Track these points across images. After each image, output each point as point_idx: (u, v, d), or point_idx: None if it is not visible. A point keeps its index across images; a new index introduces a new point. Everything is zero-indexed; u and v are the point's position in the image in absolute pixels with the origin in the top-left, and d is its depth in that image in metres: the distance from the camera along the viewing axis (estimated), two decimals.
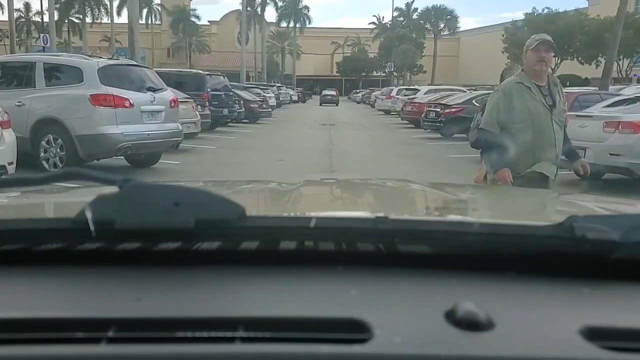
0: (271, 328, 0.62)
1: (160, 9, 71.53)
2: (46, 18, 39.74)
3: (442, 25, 71.72)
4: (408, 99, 24.11)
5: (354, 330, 0.61)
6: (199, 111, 13.32)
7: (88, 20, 58.05)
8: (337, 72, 77.97)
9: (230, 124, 18.83)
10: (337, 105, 45.41)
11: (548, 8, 44.93)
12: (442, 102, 17.30)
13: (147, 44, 63.89)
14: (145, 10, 65.27)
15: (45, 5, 37.79)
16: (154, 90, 9.17)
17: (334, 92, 50.01)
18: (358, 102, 52.40)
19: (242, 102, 19.97)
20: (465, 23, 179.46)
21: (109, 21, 56.37)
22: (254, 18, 63.57)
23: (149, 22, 69.98)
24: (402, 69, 65.22)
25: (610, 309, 0.71)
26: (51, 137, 8.46)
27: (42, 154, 8.54)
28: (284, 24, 72.39)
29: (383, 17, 75.53)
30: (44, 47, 28.34)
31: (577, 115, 8.42)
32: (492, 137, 3.62)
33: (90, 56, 10.05)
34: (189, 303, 0.68)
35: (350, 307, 0.66)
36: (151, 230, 0.73)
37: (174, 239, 0.77)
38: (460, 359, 0.58)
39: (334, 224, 0.83)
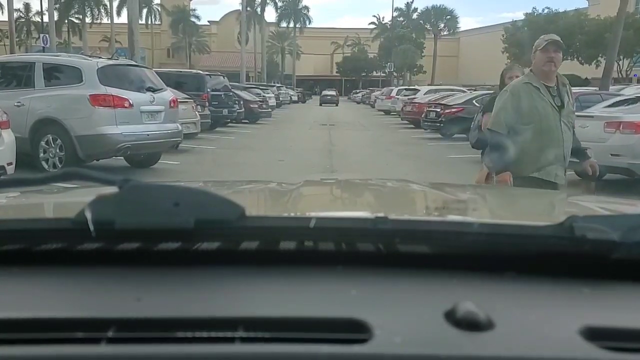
0: (271, 328, 0.62)
1: (160, 9, 71.52)
2: (46, 18, 39.76)
3: (442, 25, 71.78)
4: (408, 99, 24.11)
5: (353, 330, 0.61)
6: (198, 111, 13.32)
7: (88, 20, 58.08)
8: (337, 72, 77.97)
9: (230, 124, 18.83)
10: (337, 105, 45.43)
11: (548, 8, 45.02)
12: (442, 102, 17.31)
13: (147, 44, 63.89)
14: (145, 11, 65.27)
15: (45, 5, 37.82)
16: (154, 90, 9.17)
17: (333, 93, 50.03)
18: (358, 103, 52.41)
19: (241, 103, 19.97)
20: (465, 23, 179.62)
21: (109, 21, 56.42)
22: (253, 18, 63.58)
23: (149, 22, 69.96)
24: (402, 69, 65.23)
25: (610, 309, 0.71)
26: (50, 138, 8.45)
27: (41, 155, 8.53)
28: (283, 24, 72.42)
29: (383, 18, 75.68)
30: (43, 47, 28.36)
31: (578, 116, 8.42)
32: (498, 138, 3.59)
33: (89, 56, 10.06)
34: (188, 303, 0.68)
35: (350, 307, 0.66)
36: (151, 231, 0.73)
37: (173, 239, 0.77)
38: (460, 359, 0.58)
39: (333, 224, 0.83)
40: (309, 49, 75.58)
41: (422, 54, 65.33)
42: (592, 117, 8.51)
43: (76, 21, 59.29)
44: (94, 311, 0.65)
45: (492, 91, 11.06)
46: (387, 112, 30.22)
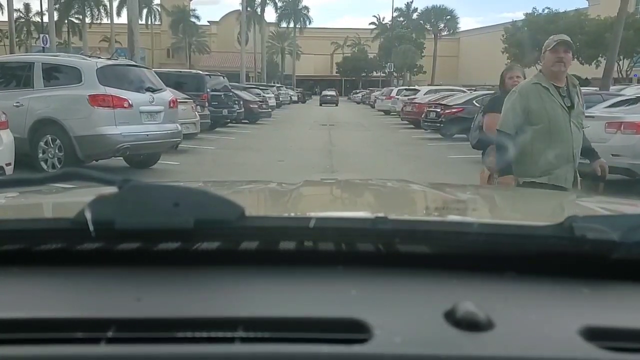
0: (271, 328, 0.62)
1: (160, 9, 71.53)
2: (46, 18, 39.77)
3: (442, 25, 71.82)
4: (408, 99, 24.10)
5: (353, 330, 0.61)
6: (198, 112, 13.32)
7: (88, 20, 58.10)
8: (337, 73, 77.99)
9: (229, 125, 18.82)
10: (336, 105, 45.45)
11: (548, 8, 45.04)
12: (443, 102, 17.29)
13: (147, 45, 63.95)
14: (145, 11, 65.27)
15: (45, 5, 37.82)
16: (153, 90, 9.15)
17: (333, 93, 50.04)
18: (358, 103, 52.41)
19: (241, 103, 19.95)
20: (465, 23, 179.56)
21: (109, 21, 56.43)
22: (253, 18, 63.60)
23: (149, 22, 69.96)
24: (402, 69, 65.22)
25: (610, 309, 0.71)
26: (50, 138, 8.42)
27: (40, 155, 8.50)
28: (283, 24, 72.46)
29: (384, 18, 75.68)
30: (43, 47, 28.36)
31: None
32: (505, 138, 3.54)
33: (89, 56, 10.05)
34: (188, 303, 0.68)
35: (350, 307, 0.66)
36: (151, 231, 0.73)
37: (173, 239, 0.77)
38: (460, 359, 0.58)
39: (333, 224, 0.83)
40: (309, 49, 75.59)
41: (422, 54, 65.33)
42: (592, 117, 8.49)
43: (76, 21, 59.33)
44: (94, 311, 0.65)
45: (492, 91, 11.08)
46: (387, 112, 30.22)
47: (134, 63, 11.19)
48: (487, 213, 1.47)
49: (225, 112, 17.57)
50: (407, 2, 72.94)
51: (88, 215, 0.71)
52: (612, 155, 7.79)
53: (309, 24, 72.93)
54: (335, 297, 0.70)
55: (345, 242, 0.82)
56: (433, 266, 0.77)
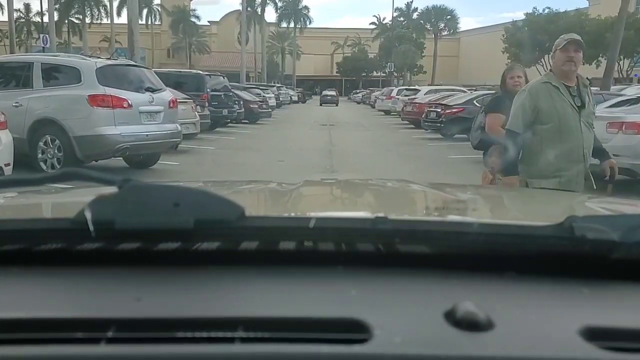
0: (271, 328, 0.62)
1: (160, 9, 71.54)
2: (46, 18, 39.81)
3: (442, 25, 71.81)
4: (408, 99, 24.09)
5: (353, 330, 0.61)
6: (198, 112, 13.31)
7: (88, 20, 58.11)
8: (337, 73, 77.98)
9: (229, 125, 18.82)
10: (337, 105, 45.46)
11: (548, 8, 45.00)
12: (443, 102, 17.28)
13: (147, 45, 63.97)
14: (145, 11, 65.29)
15: (45, 5, 37.84)
16: (153, 90, 9.13)
17: (333, 93, 50.05)
18: (358, 103, 52.42)
19: (241, 103, 19.94)
20: (466, 23, 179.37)
21: (109, 21, 56.44)
22: (254, 18, 63.62)
23: (149, 22, 69.97)
24: (402, 69, 65.22)
25: (610, 309, 0.71)
26: (49, 138, 8.40)
27: (39, 155, 8.48)
28: (284, 24, 72.46)
29: (384, 18, 75.69)
30: (43, 47, 28.35)
31: None
32: (514, 138, 3.52)
33: (88, 56, 10.04)
34: (188, 303, 0.68)
35: (350, 307, 0.66)
36: (151, 231, 0.73)
37: (173, 239, 0.77)
38: (460, 359, 0.58)
39: (333, 224, 0.83)
40: (309, 49, 75.59)
41: (423, 54, 65.33)
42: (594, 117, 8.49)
43: (76, 21, 59.33)
44: (94, 311, 0.65)
45: (493, 91, 11.07)
46: (388, 112, 30.21)
47: (134, 63, 11.17)
48: (487, 213, 1.47)
49: (225, 112, 17.55)
50: (407, 2, 73.05)
51: (88, 215, 0.71)
52: (614, 155, 7.76)
53: (309, 24, 73.03)
54: (335, 297, 0.70)
55: (345, 242, 0.82)
56: (433, 266, 0.77)
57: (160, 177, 8.99)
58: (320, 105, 45.74)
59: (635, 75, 39.90)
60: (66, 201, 1.39)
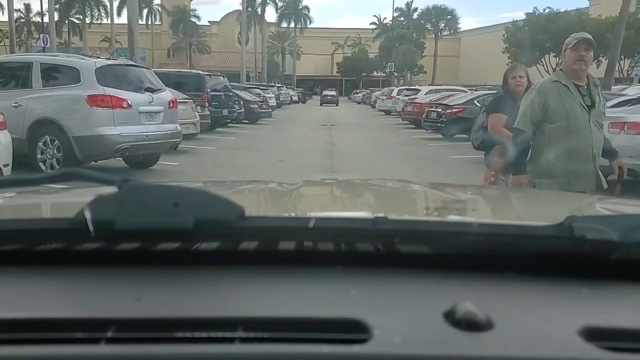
0: (270, 328, 0.62)
1: (160, 10, 71.58)
2: (46, 19, 39.80)
3: (443, 25, 71.84)
4: (409, 99, 24.08)
5: (353, 330, 0.61)
6: (198, 112, 13.30)
7: (88, 20, 58.14)
8: (337, 73, 78.00)
9: (230, 125, 18.82)
10: (337, 105, 45.50)
11: (549, 8, 44.99)
12: (444, 102, 17.26)
13: (147, 45, 63.99)
14: (145, 11, 65.33)
15: (46, 6, 37.84)
16: (153, 90, 9.12)
17: (334, 93, 50.11)
18: (358, 103, 52.44)
19: (242, 103, 19.94)
20: (466, 23, 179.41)
21: (109, 22, 56.46)
22: (254, 18, 63.64)
23: (149, 22, 70.01)
24: (403, 69, 65.23)
25: (609, 309, 0.71)
26: (48, 139, 8.38)
27: (39, 156, 8.46)
28: (284, 24, 72.50)
29: (384, 18, 75.73)
30: (44, 47, 28.36)
31: None
32: (523, 137, 3.50)
33: (88, 57, 10.03)
34: (188, 303, 0.68)
35: (349, 307, 0.66)
36: (150, 231, 0.73)
37: (173, 239, 0.77)
38: (460, 359, 0.58)
39: (333, 224, 0.83)
40: (309, 49, 75.61)
41: (423, 54, 65.35)
42: None
43: (76, 21, 59.41)
44: (94, 311, 0.65)
45: (494, 91, 11.07)
46: (388, 112, 30.21)
47: (133, 63, 11.16)
48: (486, 213, 1.47)
49: (225, 112, 17.55)
50: (408, 2, 73.11)
51: (88, 215, 0.71)
52: None
53: (310, 24, 73.10)
54: (335, 297, 0.70)
55: (345, 242, 0.82)
56: (433, 266, 0.77)
57: (160, 177, 8.98)
58: (321, 105, 45.77)
59: (636, 75, 39.90)
60: (66, 201, 1.39)
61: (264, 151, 13.20)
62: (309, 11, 72.79)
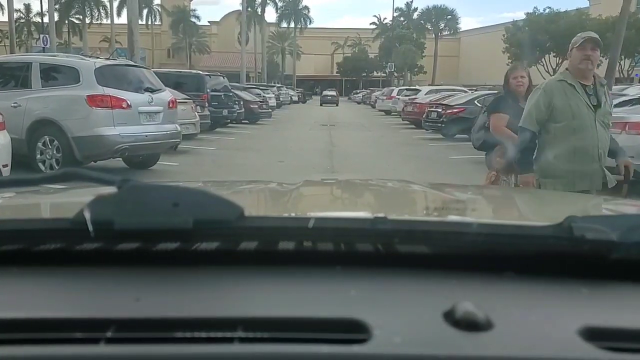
0: (270, 328, 0.62)
1: (160, 10, 71.59)
2: (46, 19, 39.78)
3: (443, 25, 71.85)
4: (409, 99, 24.07)
5: (353, 330, 0.61)
6: (198, 112, 13.30)
7: (88, 20, 58.14)
8: (337, 73, 78.00)
9: (229, 125, 18.82)
10: (337, 105, 45.51)
11: (549, 8, 45.07)
12: (444, 102, 17.24)
13: (147, 45, 64.03)
14: (145, 11, 65.34)
15: (46, 6, 37.83)
16: (152, 90, 9.10)
17: (334, 93, 50.12)
18: (358, 103, 52.44)
19: (241, 103, 19.94)
20: (466, 23, 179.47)
21: (109, 22, 56.47)
22: (254, 18, 63.65)
23: (149, 22, 70.01)
24: (403, 69, 65.23)
25: (609, 309, 0.71)
26: (47, 139, 8.37)
27: (38, 156, 8.45)
28: (284, 25, 72.50)
29: (384, 18, 75.72)
30: (44, 47, 28.36)
31: None
32: (528, 136, 3.49)
33: (87, 57, 10.03)
34: (187, 303, 0.68)
35: (349, 307, 0.66)
36: (150, 231, 0.73)
37: (172, 240, 0.77)
38: (460, 359, 0.58)
39: (333, 225, 0.83)
40: (309, 49, 75.60)
41: (423, 54, 65.35)
42: None
43: (76, 22, 59.42)
44: (93, 311, 0.65)
45: (494, 91, 11.06)
46: (388, 113, 30.20)
47: (133, 63, 11.15)
48: (486, 213, 1.47)
49: (225, 112, 17.55)
50: (408, 2, 73.11)
51: (87, 216, 0.71)
52: None
53: (310, 24, 73.09)
54: (335, 297, 0.70)
55: (345, 242, 0.82)
56: (432, 266, 0.77)
57: (159, 177, 8.98)
58: (321, 105, 45.77)
59: (636, 75, 39.92)
60: (65, 201, 1.39)
61: (264, 151, 13.20)
62: (308, 11, 72.94)
